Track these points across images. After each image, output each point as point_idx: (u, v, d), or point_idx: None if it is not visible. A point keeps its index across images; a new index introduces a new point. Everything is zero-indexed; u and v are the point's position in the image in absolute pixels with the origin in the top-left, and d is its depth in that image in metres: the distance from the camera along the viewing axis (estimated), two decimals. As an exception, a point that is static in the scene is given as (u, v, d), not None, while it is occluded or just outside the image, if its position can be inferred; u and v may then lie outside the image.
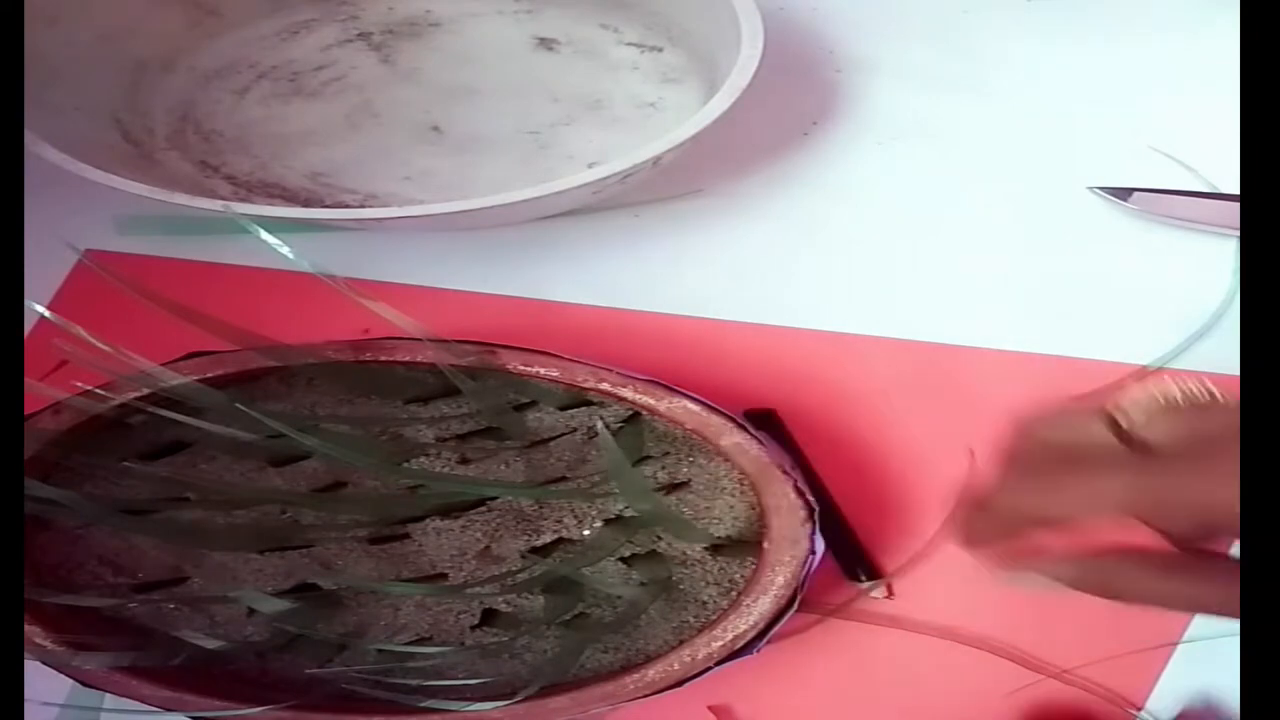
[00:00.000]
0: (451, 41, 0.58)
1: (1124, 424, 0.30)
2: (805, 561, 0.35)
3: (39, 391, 0.35)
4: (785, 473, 0.36)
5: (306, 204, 0.50)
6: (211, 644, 0.35)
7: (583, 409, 0.39)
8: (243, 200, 0.49)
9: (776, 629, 0.34)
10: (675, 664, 0.34)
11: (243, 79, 0.56)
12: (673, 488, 0.38)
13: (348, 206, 0.50)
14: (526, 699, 0.33)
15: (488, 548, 0.37)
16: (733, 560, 0.37)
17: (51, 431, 0.36)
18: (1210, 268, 0.48)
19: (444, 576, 0.37)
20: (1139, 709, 0.36)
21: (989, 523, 0.32)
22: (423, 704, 0.34)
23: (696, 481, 0.38)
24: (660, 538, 0.37)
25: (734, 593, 0.36)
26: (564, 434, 0.39)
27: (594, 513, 0.38)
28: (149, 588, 0.37)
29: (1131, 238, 0.49)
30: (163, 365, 0.37)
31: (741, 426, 0.37)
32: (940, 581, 0.39)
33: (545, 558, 0.37)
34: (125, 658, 0.34)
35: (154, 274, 0.47)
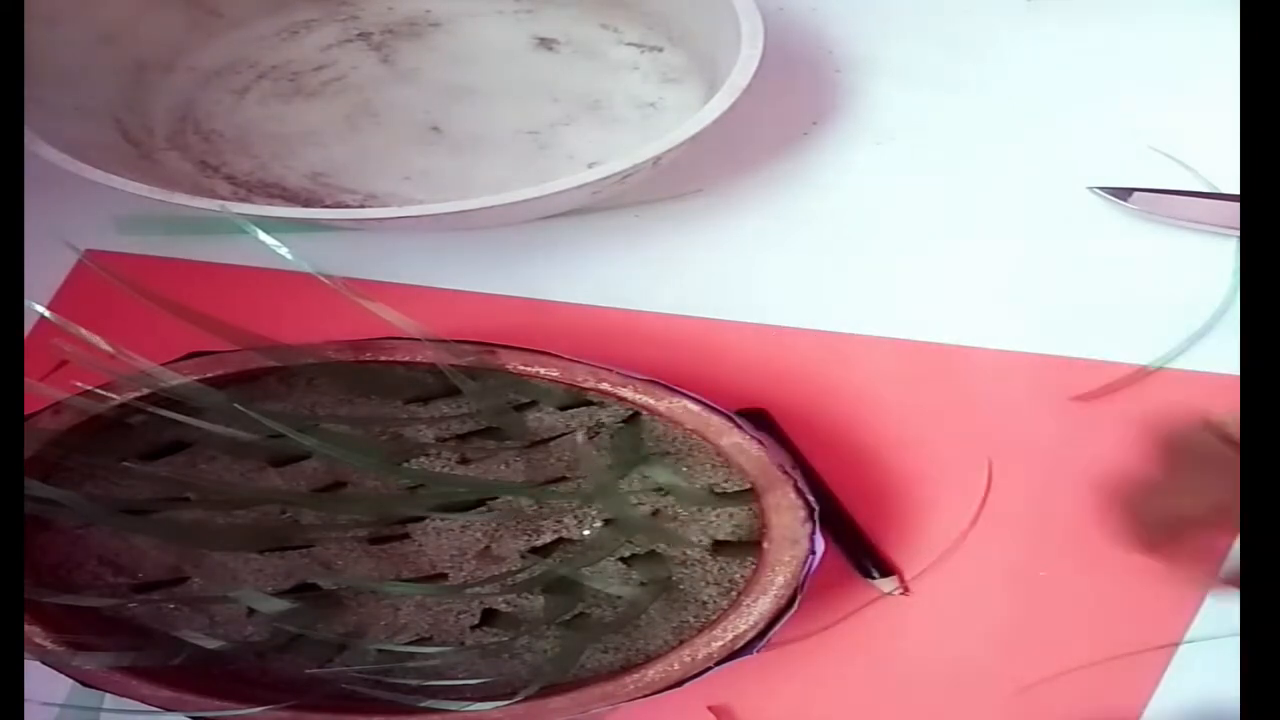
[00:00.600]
0: (451, 41, 0.58)
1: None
2: (805, 561, 0.35)
3: (39, 391, 0.35)
4: (785, 473, 0.36)
5: (306, 204, 0.50)
6: (211, 644, 0.35)
7: (583, 409, 0.39)
8: (243, 200, 0.49)
9: (776, 629, 0.34)
10: (675, 664, 0.34)
11: (243, 79, 0.56)
12: (670, 488, 0.38)
13: (348, 206, 0.50)
14: (526, 699, 0.33)
15: (488, 548, 0.37)
16: (733, 560, 0.37)
17: (51, 431, 0.36)
18: (1210, 268, 0.48)
19: (444, 576, 0.37)
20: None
21: (1159, 524, 0.33)
22: (423, 704, 0.34)
23: (695, 481, 0.38)
24: (659, 541, 0.37)
25: (734, 593, 0.36)
26: (564, 434, 0.39)
27: (594, 513, 0.38)
28: (149, 588, 0.37)
29: (1131, 238, 0.49)
30: (163, 365, 0.37)
31: (741, 427, 0.37)
32: (947, 579, 0.39)
33: (545, 558, 0.37)
34: (125, 658, 0.34)
35: (154, 274, 0.47)
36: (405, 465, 0.38)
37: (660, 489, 0.38)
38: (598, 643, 0.36)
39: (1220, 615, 0.38)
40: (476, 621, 0.36)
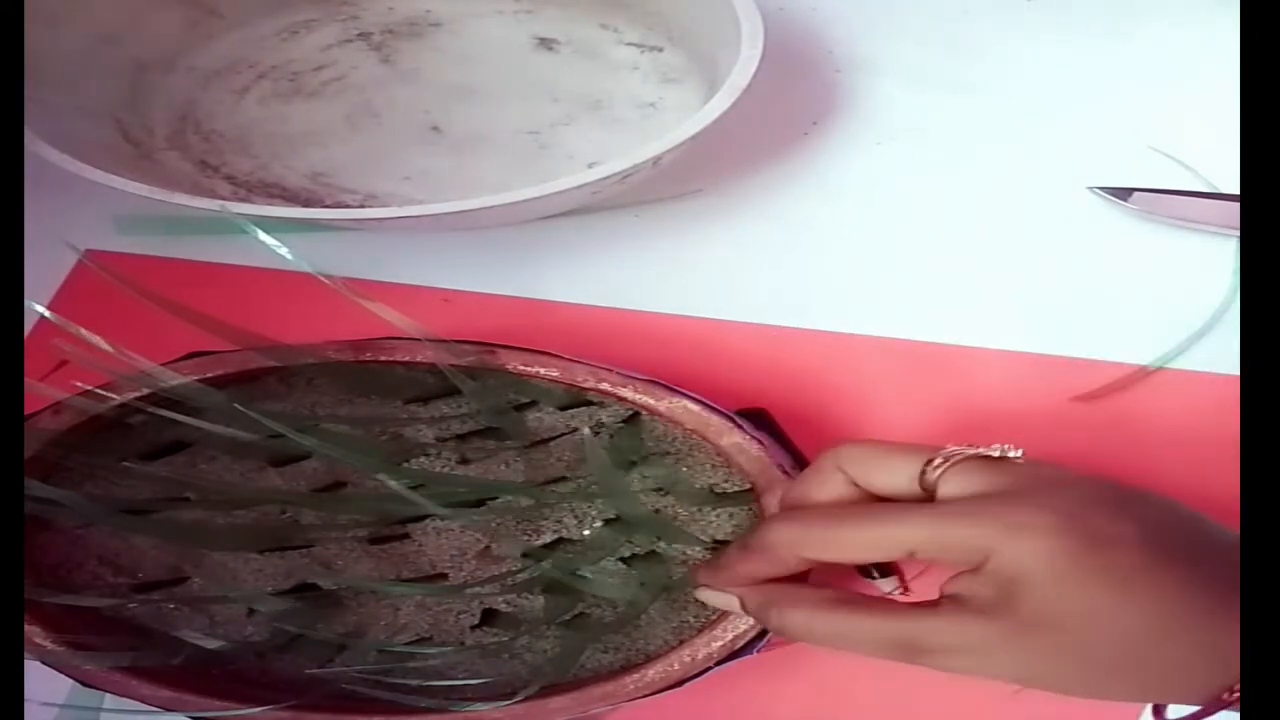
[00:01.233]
0: (451, 41, 0.58)
1: (928, 474, 0.31)
2: (805, 561, 0.35)
3: (39, 391, 0.35)
4: (785, 473, 0.36)
5: (306, 204, 0.50)
6: (211, 644, 0.35)
7: (583, 409, 0.39)
8: (243, 200, 0.49)
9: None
10: (675, 664, 0.34)
11: (243, 79, 0.56)
12: (670, 488, 0.38)
13: (348, 206, 0.50)
14: (526, 699, 0.33)
15: (488, 548, 0.37)
16: (733, 560, 0.37)
17: (51, 431, 0.36)
18: (1210, 268, 0.48)
19: (444, 576, 0.37)
20: None
21: (759, 556, 0.32)
22: (423, 704, 0.34)
23: (695, 481, 0.38)
24: (659, 538, 0.37)
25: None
26: (564, 434, 0.39)
27: (594, 513, 0.38)
28: (149, 588, 0.37)
29: (1131, 238, 0.49)
30: (163, 365, 0.37)
31: (741, 426, 0.37)
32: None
33: (545, 558, 0.37)
34: (125, 658, 0.34)
35: (154, 274, 0.47)
36: (405, 465, 0.38)
37: (660, 489, 0.38)
38: (598, 643, 0.36)
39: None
40: (476, 621, 0.36)
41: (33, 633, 0.34)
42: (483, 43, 0.58)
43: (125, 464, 0.37)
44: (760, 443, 0.37)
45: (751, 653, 0.34)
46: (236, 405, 0.36)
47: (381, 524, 0.38)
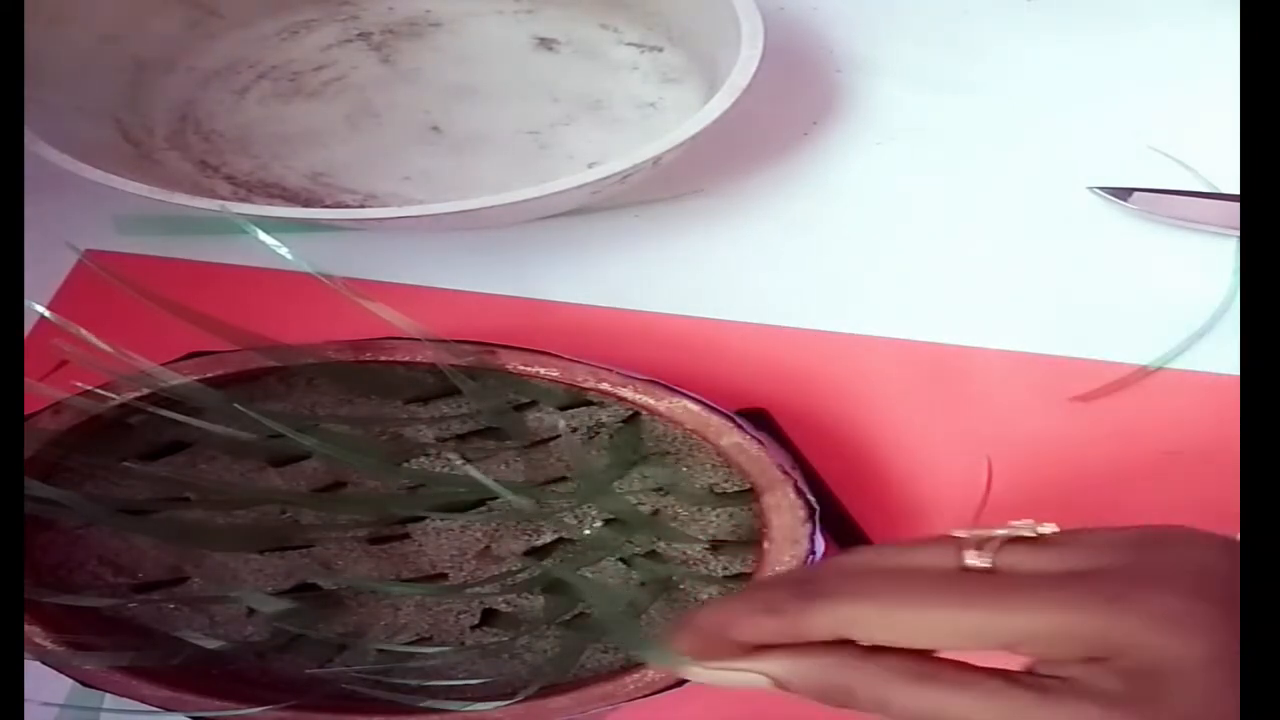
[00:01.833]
0: (451, 41, 0.58)
1: (976, 556, 0.27)
2: (805, 561, 0.35)
3: (39, 391, 0.35)
4: (785, 473, 0.36)
5: (306, 204, 0.50)
6: (211, 644, 0.35)
7: (583, 409, 0.39)
8: (243, 200, 0.49)
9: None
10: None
11: (243, 79, 0.56)
12: (670, 488, 0.38)
13: (348, 206, 0.50)
14: (526, 699, 0.33)
15: (488, 548, 0.37)
16: (733, 560, 0.37)
17: (51, 431, 0.36)
18: (1210, 268, 0.48)
19: (444, 576, 0.37)
20: None
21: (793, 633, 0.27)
22: (423, 704, 0.34)
23: (695, 481, 0.38)
24: (659, 538, 0.37)
25: (734, 593, 0.36)
26: (564, 434, 0.39)
27: (594, 513, 0.38)
28: (149, 588, 0.37)
29: (1131, 238, 0.49)
30: (163, 365, 0.37)
31: (741, 426, 0.37)
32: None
33: (545, 558, 0.37)
34: (125, 658, 0.34)
35: (154, 274, 0.47)
36: (405, 465, 0.38)
37: (660, 489, 0.38)
38: (598, 643, 0.36)
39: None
40: (476, 621, 0.36)
41: (33, 633, 0.34)
42: (483, 43, 0.58)
43: (125, 464, 0.37)
44: (760, 443, 0.37)
45: (751, 653, 0.34)
46: (236, 405, 0.36)
47: (381, 524, 0.38)
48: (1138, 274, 0.48)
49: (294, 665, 0.36)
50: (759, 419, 0.42)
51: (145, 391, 0.37)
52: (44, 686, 0.36)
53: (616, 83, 0.56)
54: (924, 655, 0.26)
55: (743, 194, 0.52)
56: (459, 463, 0.38)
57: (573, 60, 0.57)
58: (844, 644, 0.27)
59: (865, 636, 0.26)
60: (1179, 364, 0.45)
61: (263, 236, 0.38)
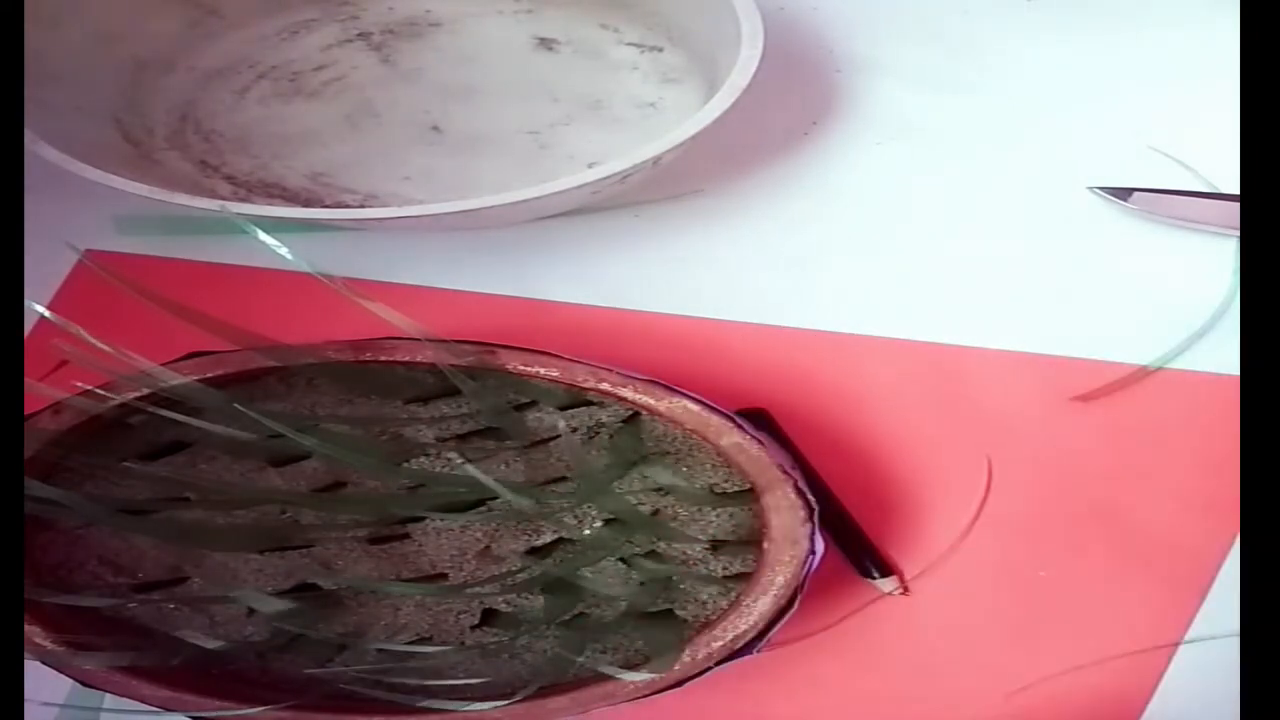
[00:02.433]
0: (451, 41, 0.58)
1: None
2: (805, 561, 0.35)
3: (39, 391, 0.35)
4: (785, 473, 0.36)
5: (306, 204, 0.50)
6: (211, 644, 0.35)
7: (583, 409, 0.39)
8: (243, 200, 0.49)
9: (776, 629, 0.34)
10: (675, 664, 0.34)
11: (243, 79, 0.56)
12: (670, 488, 0.38)
13: (348, 206, 0.50)
14: (526, 699, 0.33)
15: (488, 548, 0.38)
16: (733, 560, 0.37)
17: (51, 431, 0.36)
18: (1210, 268, 0.48)
19: (444, 576, 0.37)
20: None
21: None
22: (423, 704, 0.34)
23: (695, 481, 0.38)
24: (659, 538, 0.37)
25: (734, 593, 0.36)
26: (564, 434, 0.39)
27: (594, 513, 0.38)
28: (149, 588, 0.37)
29: (1131, 238, 0.49)
30: (163, 365, 0.37)
31: (741, 426, 0.37)
32: (947, 579, 0.39)
33: (545, 558, 0.37)
34: (125, 658, 0.34)
35: (154, 274, 0.47)
36: (405, 465, 0.38)
37: (660, 489, 0.38)
38: (598, 643, 0.36)
39: (1220, 615, 0.38)
40: (476, 621, 0.36)
41: (33, 633, 0.34)
42: (483, 43, 0.58)
43: (125, 464, 0.37)
44: (760, 443, 0.37)
45: (751, 653, 0.34)
46: (236, 405, 0.36)
47: (381, 524, 0.38)
48: (1138, 274, 0.48)
49: (294, 665, 0.36)
50: (759, 419, 0.42)
51: (145, 391, 0.37)
52: (44, 686, 0.36)
53: (616, 83, 0.56)
54: None
55: (743, 194, 0.52)
56: (459, 463, 0.38)
57: (573, 60, 0.57)
58: None
59: None
60: (1179, 364, 0.45)
61: (263, 236, 0.38)
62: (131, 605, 0.36)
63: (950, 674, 0.37)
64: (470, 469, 0.37)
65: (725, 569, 0.37)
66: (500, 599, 0.37)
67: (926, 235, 0.50)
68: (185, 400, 0.36)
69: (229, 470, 0.39)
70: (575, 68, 0.56)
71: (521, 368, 0.38)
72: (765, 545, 0.35)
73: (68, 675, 0.34)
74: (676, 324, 0.46)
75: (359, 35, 0.58)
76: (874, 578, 0.39)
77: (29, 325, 0.43)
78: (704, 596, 0.36)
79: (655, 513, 0.38)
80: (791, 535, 0.35)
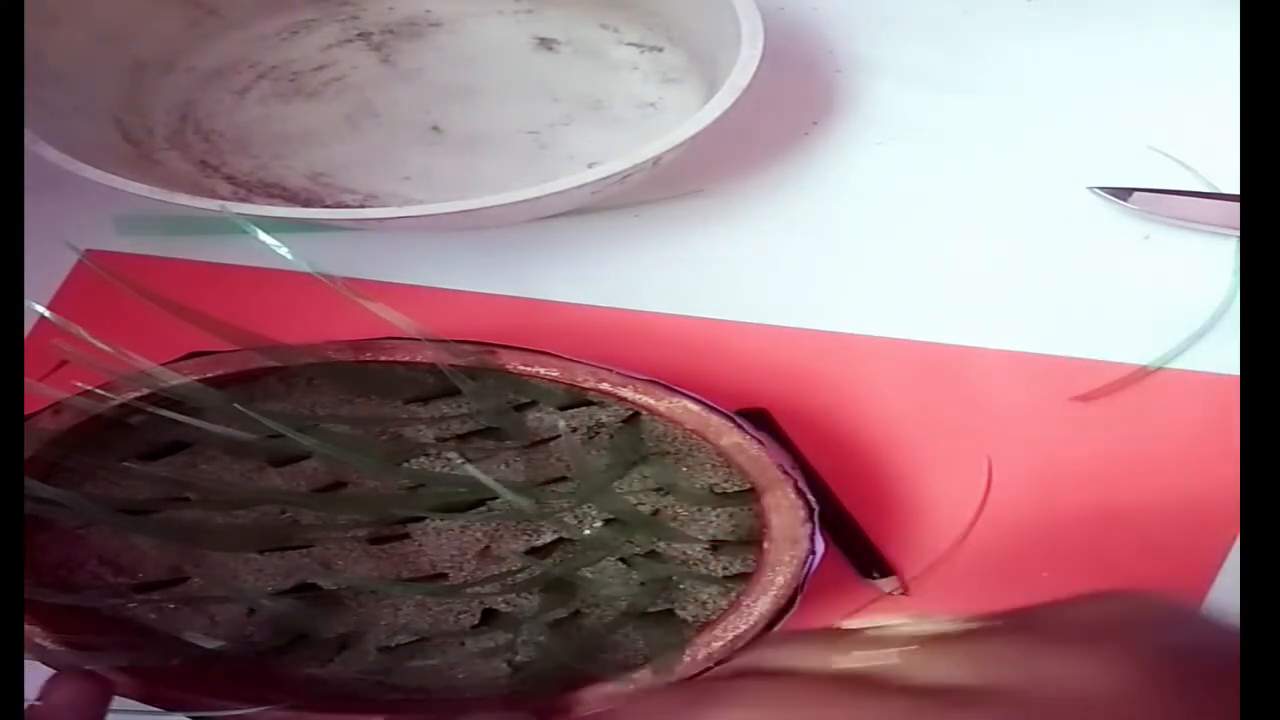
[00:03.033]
0: (451, 41, 0.58)
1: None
2: (805, 561, 0.35)
3: (39, 391, 0.35)
4: (785, 473, 0.36)
5: (306, 204, 0.50)
6: (211, 644, 0.35)
7: (583, 409, 0.39)
8: (243, 200, 0.49)
9: (776, 629, 0.34)
10: (675, 664, 0.34)
11: (243, 79, 0.56)
12: (670, 488, 0.38)
13: (348, 206, 0.50)
14: (526, 699, 0.33)
15: (488, 548, 0.37)
16: (733, 560, 0.37)
17: (51, 431, 0.36)
18: (1210, 268, 0.48)
19: (444, 576, 0.37)
20: None
21: None
22: (423, 703, 0.34)
23: (695, 481, 0.38)
24: (659, 538, 0.37)
25: (734, 593, 0.36)
26: (564, 434, 0.39)
27: (594, 513, 0.38)
28: (149, 588, 0.37)
29: (1131, 238, 0.49)
30: (163, 365, 0.37)
31: (741, 426, 0.37)
32: (947, 579, 0.39)
33: (545, 558, 0.37)
34: (125, 658, 0.34)
35: (154, 274, 0.47)
36: (405, 465, 0.38)
37: (660, 489, 0.38)
38: (598, 643, 0.36)
39: (1220, 615, 0.38)
40: (476, 621, 0.36)
41: (33, 633, 0.34)
42: (483, 43, 0.58)
43: (125, 464, 0.37)
44: (760, 443, 0.37)
45: (751, 653, 0.34)
46: (236, 405, 0.36)
47: (381, 524, 0.38)
48: (1138, 274, 0.48)
49: (294, 665, 0.36)
50: (759, 419, 0.42)
51: (145, 391, 0.37)
52: (44, 686, 0.36)
53: (616, 83, 0.56)
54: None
55: (743, 194, 0.52)
56: (459, 463, 0.38)
57: (573, 60, 0.57)
58: None
59: None
60: (1179, 364, 0.45)
61: (263, 236, 0.38)
62: (131, 605, 0.36)
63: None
64: (470, 469, 0.36)
65: (725, 569, 0.37)
66: (500, 599, 0.37)
67: (926, 235, 0.50)
68: (185, 400, 0.36)
69: (229, 470, 0.39)
70: (575, 68, 0.56)
71: (521, 368, 0.38)
72: (765, 545, 0.35)
73: (68, 675, 0.34)
74: (676, 324, 0.46)
75: (359, 35, 0.58)
76: (874, 578, 0.39)
77: (29, 325, 0.43)
78: (704, 596, 0.36)
79: (655, 513, 0.38)
80: (791, 535, 0.35)
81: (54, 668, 0.34)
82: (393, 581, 0.37)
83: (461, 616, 0.36)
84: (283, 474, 0.38)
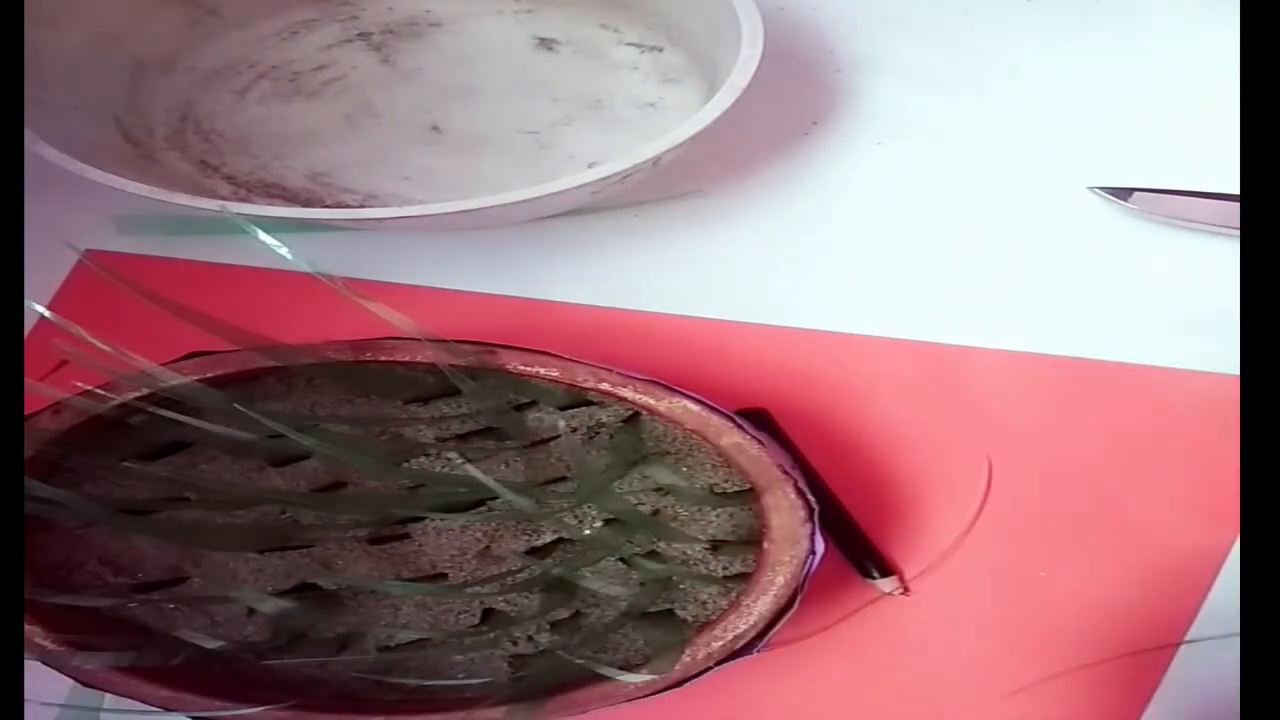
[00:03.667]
0: (451, 41, 0.58)
1: None
2: (805, 561, 0.35)
3: (39, 391, 0.35)
4: (785, 473, 0.36)
5: (306, 204, 0.50)
6: (211, 644, 0.35)
7: (583, 409, 0.39)
8: (243, 200, 0.49)
9: (776, 629, 0.34)
10: (675, 664, 0.34)
11: (243, 79, 0.56)
12: (670, 488, 0.38)
13: (348, 206, 0.50)
14: (527, 699, 0.33)
15: (488, 548, 0.38)
16: (733, 560, 0.37)
17: (51, 431, 0.36)
18: (1210, 268, 0.48)
19: (444, 576, 0.37)
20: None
21: None
22: (422, 702, 0.34)
23: (695, 481, 0.38)
24: (659, 538, 0.37)
25: (734, 593, 0.36)
26: (564, 434, 0.39)
27: (594, 513, 0.38)
28: (149, 588, 0.37)
29: (1131, 238, 0.49)
30: (163, 365, 0.37)
31: (741, 426, 0.37)
32: (947, 579, 0.39)
33: (545, 558, 0.37)
34: (125, 658, 0.34)
35: (154, 274, 0.47)
36: (405, 465, 0.38)
37: (660, 489, 0.38)
38: (598, 643, 0.36)
39: (1220, 615, 0.38)
40: (476, 621, 0.36)
41: (33, 633, 0.34)
42: (483, 43, 0.58)
43: (125, 464, 0.37)
44: (760, 443, 0.37)
45: (751, 653, 0.34)
46: (236, 405, 0.36)
47: (381, 524, 0.38)
48: (1138, 274, 0.48)
49: (294, 665, 0.36)
50: (759, 419, 0.42)
51: (145, 391, 0.37)
52: (44, 686, 0.36)
53: (616, 83, 0.56)
54: None
55: (743, 194, 0.52)
56: (459, 463, 0.38)
57: (573, 60, 0.57)
58: None
59: None
60: (1179, 364, 0.45)
61: (263, 236, 0.38)
62: (131, 605, 0.36)
63: (950, 674, 0.37)
64: (470, 469, 0.36)
65: (725, 569, 0.37)
66: (500, 599, 0.37)
67: (927, 235, 0.50)
68: (185, 400, 0.36)
69: (229, 470, 0.39)
70: (575, 68, 0.56)
71: (521, 368, 0.38)
72: (765, 545, 0.35)
73: (68, 675, 0.34)
74: (676, 324, 0.46)
75: (359, 35, 0.58)
76: (874, 578, 0.39)
77: (29, 325, 0.43)
78: (704, 596, 0.36)
79: (655, 513, 0.38)
80: (791, 535, 0.35)
81: (54, 668, 0.34)
82: (393, 581, 0.37)
83: (461, 616, 0.36)
84: (283, 474, 0.39)
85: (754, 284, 0.48)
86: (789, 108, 0.55)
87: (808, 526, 0.35)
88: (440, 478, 0.38)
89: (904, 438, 0.43)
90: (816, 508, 0.36)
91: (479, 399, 0.39)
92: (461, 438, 0.39)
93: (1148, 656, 0.37)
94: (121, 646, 0.34)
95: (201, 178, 0.51)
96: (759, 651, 0.34)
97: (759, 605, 0.34)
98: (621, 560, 0.37)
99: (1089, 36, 0.58)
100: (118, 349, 0.35)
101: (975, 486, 0.41)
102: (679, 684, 0.34)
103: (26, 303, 0.36)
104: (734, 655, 0.34)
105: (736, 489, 0.37)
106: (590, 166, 0.46)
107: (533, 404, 0.39)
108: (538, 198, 0.44)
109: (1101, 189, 0.50)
